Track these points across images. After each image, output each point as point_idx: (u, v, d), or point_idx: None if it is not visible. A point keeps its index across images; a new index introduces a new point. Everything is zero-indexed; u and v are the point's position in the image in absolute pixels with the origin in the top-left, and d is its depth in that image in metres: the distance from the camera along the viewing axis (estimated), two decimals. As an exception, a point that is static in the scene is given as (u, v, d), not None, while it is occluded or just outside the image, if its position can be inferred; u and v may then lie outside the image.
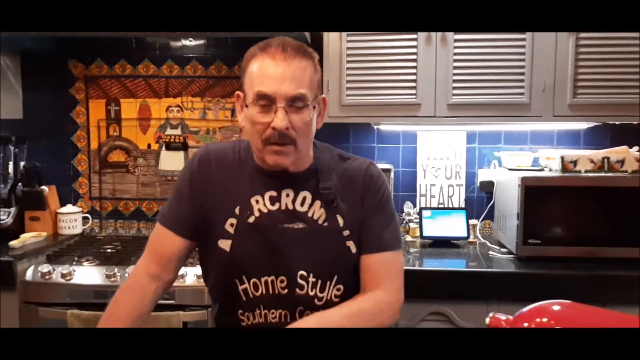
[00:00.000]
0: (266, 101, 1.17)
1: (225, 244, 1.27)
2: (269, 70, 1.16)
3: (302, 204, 1.29)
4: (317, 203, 1.29)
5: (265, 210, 1.28)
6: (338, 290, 1.28)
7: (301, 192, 1.29)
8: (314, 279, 1.26)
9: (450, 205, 2.62)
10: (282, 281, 1.26)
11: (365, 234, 1.30)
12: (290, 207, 1.28)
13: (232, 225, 1.27)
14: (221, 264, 1.28)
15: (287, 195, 1.29)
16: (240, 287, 1.27)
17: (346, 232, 1.29)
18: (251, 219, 1.27)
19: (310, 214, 1.28)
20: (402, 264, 1.33)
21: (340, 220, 1.29)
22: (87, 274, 2.11)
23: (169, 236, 1.31)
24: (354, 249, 1.29)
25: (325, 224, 1.28)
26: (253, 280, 1.26)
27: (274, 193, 1.29)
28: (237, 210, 1.28)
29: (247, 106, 1.21)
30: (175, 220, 1.32)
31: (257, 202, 1.28)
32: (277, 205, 1.28)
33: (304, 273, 1.26)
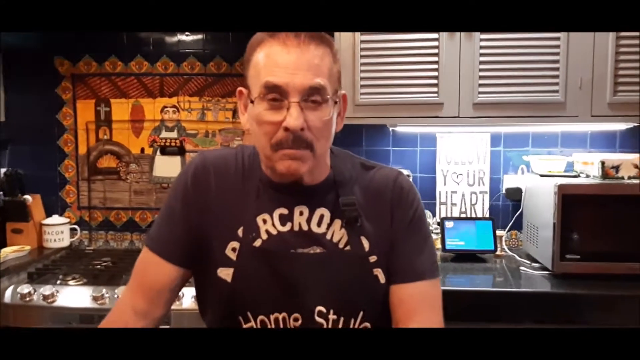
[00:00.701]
0: (276, 95, 0.97)
1: (226, 273, 1.06)
2: (280, 58, 0.97)
3: (319, 224, 1.08)
4: (337, 222, 1.08)
5: (274, 232, 1.07)
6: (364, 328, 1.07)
7: (318, 210, 1.08)
8: (335, 316, 1.05)
9: (474, 214, 2.40)
10: (295, 319, 1.05)
11: (396, 260, 1.09)
12: (305, 227, 1.07)
13: (234, 250, 1.07)
14: (221, 297, 1.07)
15: (301, 214, 1.08)
16: (245, 326, 1.06)
17: (373, 258, 1.07)
18: (257, 243, 1.06)
19: (329, 236, 1.07)
20: (440, 293, 1.12)
21: (366, 243, 1.08)
22: (73, 296, 1.92)
23: (158, 264, 1.10)
24: (382, 279, 1.08)
25: (348, 247, 1.07)
26: (260, 317, 1.05)
27: (284, 211, 1.08)
28: (240, 232, 1.07)
29: (252, 102, 1.00)
30: (166, 245, 1.10)
31: (264, 221, 1.07)
32: (288, 226, 1.07)
33: (323, 309, 1.04)
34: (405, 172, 2.28)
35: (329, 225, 1.08)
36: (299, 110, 0.96)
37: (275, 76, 0.96)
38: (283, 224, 1.07)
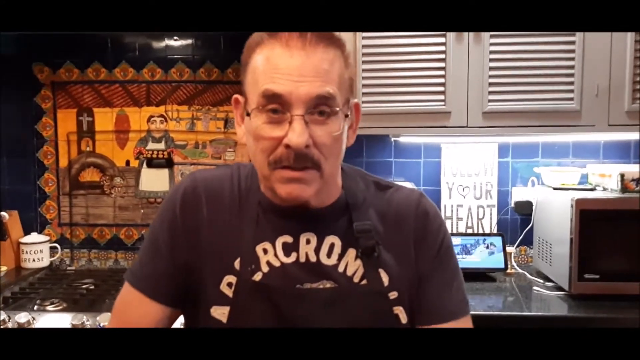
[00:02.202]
0: (277, 105, 0.83)
1: (221, 313, 0.92)
2: (281, 62, 0.83)
3: (329, 254, 0.94)
4: (351, 252, 0.94)
5: (277, 264, 0.93)
6: None
7: (327, 237, 0.94)
8: None
9: (481, 229, 2.27)
10: None
11: (422, 298, 0.95)
12: (313, 258, 0.93)
13: (230, 285, 0.92)
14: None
15: (308, 242, 0.94)
16: None
17: (393, 294, 0.93)
18: (257, 277, 0.92)
19: (341, 269, 0.93)
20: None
21: (385, 278, 0.93)
22: (50, 323, 1.76)
23: (141, 302, 0.95)
24: (404, 318, 0.94)
25: (364, 282, 0.93)
26: None
27: (289, 239, 0.94)
28: (237, 265, 0.93)
29: (248, 115, 0.87)
30: (150, 281, 0.96)
31: (265, 251, 0.93)
32: (293, 256, 0.93)
33: None
34: (409, 184, 2.16)
35: (341, 255, 0.94)
36: (303, 124, 0.82)
37: (275, 84, 0.82)
38: (287, 254, 0.93)
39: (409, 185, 2.12)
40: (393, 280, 0.93)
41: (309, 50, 0.83)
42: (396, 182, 1.04)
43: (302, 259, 0.93)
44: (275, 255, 0.93)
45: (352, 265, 0.93)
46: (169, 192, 1.11)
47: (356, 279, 0.93)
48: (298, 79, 0.82)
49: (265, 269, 0.92)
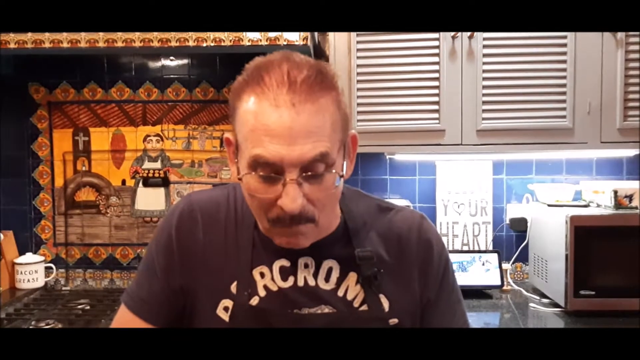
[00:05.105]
0: (269, 171, 0.80)
1: None
2: (270, 121, 0.77)
3: (327, 279, 0.92)
4: (352, 277, 0.93)
5: (274, 288, 0.92)
6: None
7: (325, 262, 0.93)
8: None
9: (476, 246, 2.27)
10: None
11: (427, 325, 0.96)
12: (312, 282, 0.92)
13: (226, 309, 0.91)
14: None
15: (306, 266, 0.93)
16: None
17: (393, 321, 0.92)
18: (254, 301, 0.91)
19: (341, 293, 0.92)
20: None
21: (385, 303, 0.92)
22: (45, 345, 1.72)
23: (135, 324, 0.95)
24: None
25: (364, 307, 0.92)
26: None
27: (286, 263, 0.92)
28: (233, 289, 0.92)
29: (240, 179, 0.84)
30: (145, 304, 0.96)
31: (262, 275, 0.92)
32: (291, 281, 0.92)
33: None
34: (405, 202, 2.17)
35: (340, 279, 0.92)
36: (297, 188, 0.79)
37: (266, 149, 0.78)
38: (284, 278, 0.92)
39: (404, 202, 2.14)
40: (393, 306, 0.92)
41: (299, 107, 0.77)
42: (396, 203, 1.02)
43: (300, 283, 0.92)
44: (272, 279, 0.92)
45: (353, 290, 0.92)
46: (165, 214, 1.10)
47: (356, 304, 0.92)
48: (290, 143, 0.77)
49: (262, 293, 0.91)
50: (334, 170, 0.81)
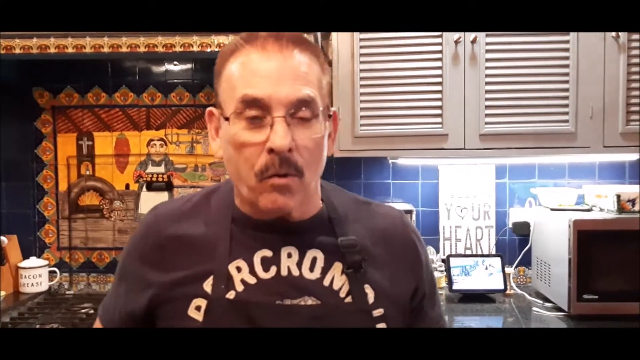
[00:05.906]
0: (257, 110, 0.80)
1: None
2: (259, 65, 0.81)
3: (311, 269, 0.89)
4: (338, 266, 0.90)
5: (252, 281, 0.87)
6: None
7: (309, 251, 0.90)
8: None
9: (479, 250, 2.27)
10: None
11: (410, 315, 0.95)
12: (295, 272, 0.88)
13: (198, 308, 0.87)
14: None
15: (290, 256, 0.89)
16: None
17: (378, 312, 0.89)
18: (230, 295, 0.87)
19: (326, 282, 0.89)
20: None
21: (371, 294, 0.89)
22: (49, 348, 1.73)
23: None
24: None
25: (348, 299, 0.89)
26: None
27: (268, 253, 0.89)
28: (207, 286, 0.87)
29: (227, 120, 0.83)
30: (109, 313, 0.97)
31: (238, 269, 0.88)
32: (273, 270, 0.88)
33: None
34: (407, 206, 2.17)
35: (325, 269, 0.89)
36: (285, 126, 0.80)
37: (254, 88, 0.80)
38: (266, 269, 0.88)
39: (406, 206, 2.14)
40: (378, 296, 0.90)
41: (286, 53, 0.81)
42: (373, 200, 1.02)
43: (284, 273, 0.88)
44: (251, 272, 0.88)
45: (338, 280, 0.89)
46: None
47: (342, 294, 0.89)
48: (277, 82, 0.80)
49: (240, 287, 0.87)
50: (319, 111, 0.83)
